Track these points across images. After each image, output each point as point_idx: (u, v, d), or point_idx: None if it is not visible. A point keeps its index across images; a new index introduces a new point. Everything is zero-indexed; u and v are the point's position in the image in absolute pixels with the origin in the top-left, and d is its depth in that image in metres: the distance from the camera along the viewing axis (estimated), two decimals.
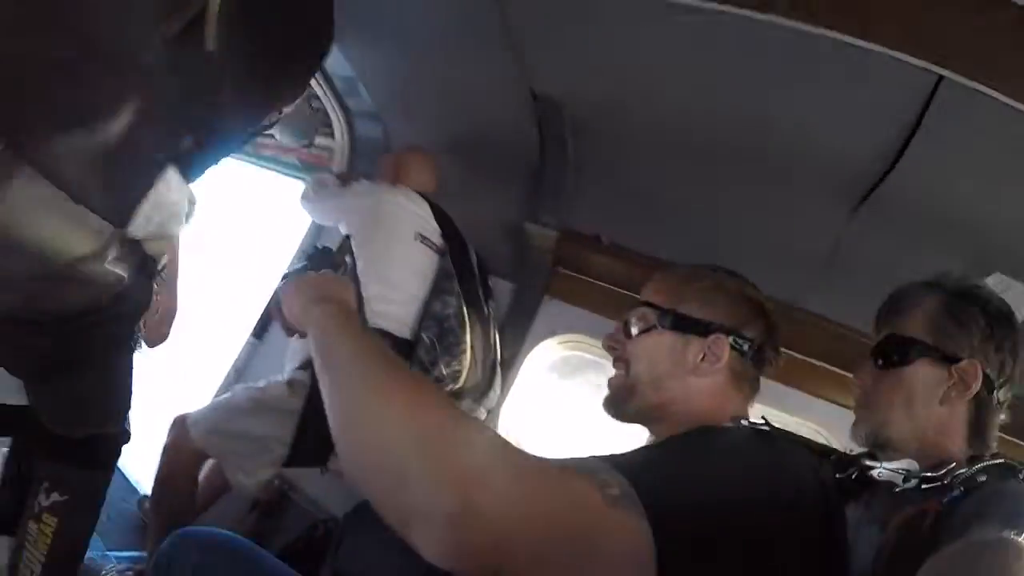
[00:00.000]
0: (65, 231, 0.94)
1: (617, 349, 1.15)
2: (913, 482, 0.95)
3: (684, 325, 1.08)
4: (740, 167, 1.61)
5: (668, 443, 0.92)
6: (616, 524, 0.59)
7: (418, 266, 1.97)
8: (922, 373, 1.02)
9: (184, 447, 1.86)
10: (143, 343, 1.79)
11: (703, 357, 1.04)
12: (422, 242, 1.99)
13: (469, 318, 1.90)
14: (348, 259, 2.01)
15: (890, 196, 1.47)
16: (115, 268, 1.03)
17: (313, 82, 2.57)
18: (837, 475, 1.06)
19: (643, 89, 1.56)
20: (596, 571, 0.58)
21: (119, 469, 2.49)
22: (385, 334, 1.85)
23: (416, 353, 1.84)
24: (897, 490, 0.97)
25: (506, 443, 0.61)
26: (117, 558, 2.01)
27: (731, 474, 0.78)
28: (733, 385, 1.06)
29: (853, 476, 1.07)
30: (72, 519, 1.53)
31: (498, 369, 2.03)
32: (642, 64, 1.48)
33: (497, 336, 2.09)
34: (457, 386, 1.86)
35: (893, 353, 1.06)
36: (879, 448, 1.06)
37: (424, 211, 2.03)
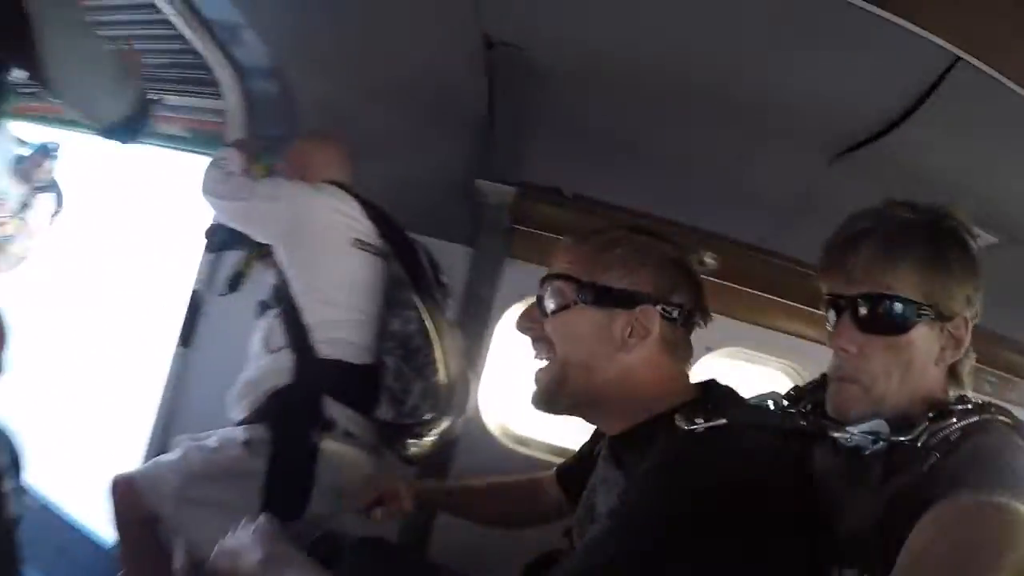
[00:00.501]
0: None
1: (534, 329, 1.06)
2: (882, 444, 0.89)
3: (607, 298, 1.01)
4: (716, 112, 1.52)
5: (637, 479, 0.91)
6: None
7: (363, 277, 1.70)
8: (920, 338, 0.91)
9: (136, 515, 1.61)
10: None
11: (631, 331, 0.98)
12: (361, 248, 1.71)
13: (436, 329, 1.67)
14: (274, 277, 1.74)
15: (876, 156, 1.45)
16: None
17: (187, 30, 2.14)
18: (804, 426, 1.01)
19: (618, 33, 1.40)
20: None
21: (82, 530, 2.48)
22: (340, 364, 1.63)
23: (383, 381, 1.60)
24: (867, 452, 0.91)
25: None
26: None
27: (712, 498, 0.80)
28: (667, 355, 1.02)
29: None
30: None
31: (469, 375, 1.81)
32: (618, 6, 1.32)
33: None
34: (435, 413, 1.64)
35: (887, 318, 0.92)
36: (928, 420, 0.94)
37: (354, 209, 1.74)
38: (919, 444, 0.84)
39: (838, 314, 0.95)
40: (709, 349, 1.96)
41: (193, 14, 2.09)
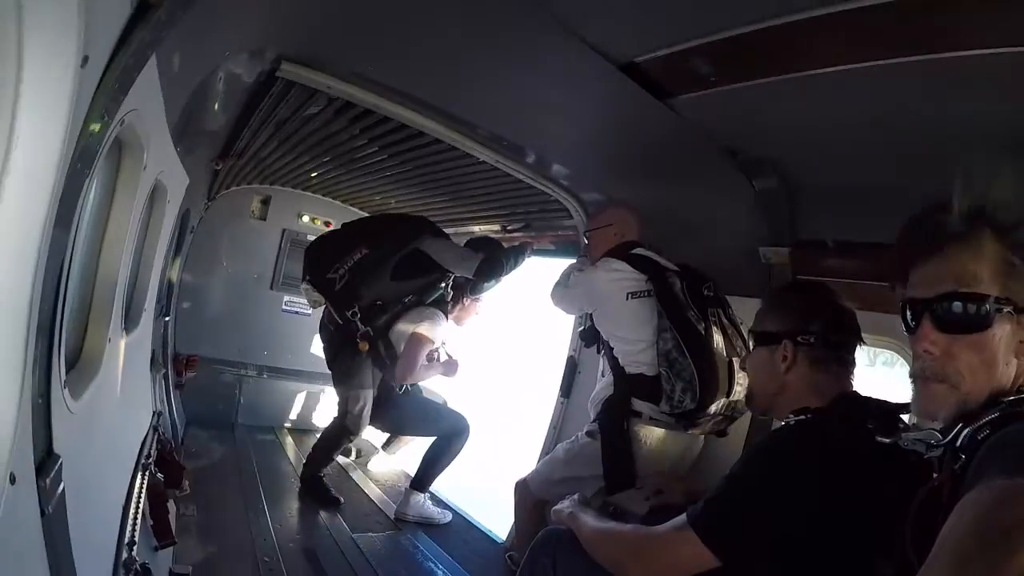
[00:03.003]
0: None
1: (745, 367, 1.60)
2: (938, 451, 0.92)
3: (763, 339, 1.50)
4: (920, 156, 1.72)
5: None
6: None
7: (640, 317, 2.37)
8: (1002, 332, 0.89)
9: (529, 503, 2.54)
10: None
11: (783, 359, 1.42)
12: (634, 297, 2.39)
13: (686, 342, 2.24)
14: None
15: None
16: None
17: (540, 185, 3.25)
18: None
19: (828, 127, 1.86)
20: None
21: (480, 528, 3.66)
22: (640, 377, 2.34)
23: (661, 384, 2.26)
24: (924, 457, 0.96)
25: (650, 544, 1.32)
26: None
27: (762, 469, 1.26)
28: (816, 369, 1.41)
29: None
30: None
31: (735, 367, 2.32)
32: (822, 114, 1.79)
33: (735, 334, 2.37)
34: (694, 405, 2.19)
35: (967, 317, 0.90)
36: (963, 420, 0.91)
37: (625, 270, 2.45)
38: (956, 445, 0.88)
39: (917, 317, 0.95)
40: None
41: (546, 178, 3.19)
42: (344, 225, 3.92)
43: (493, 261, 3.31)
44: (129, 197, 1.79)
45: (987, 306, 0.88)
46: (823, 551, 1.16)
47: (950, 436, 0.89)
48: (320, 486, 3.75)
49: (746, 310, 2.56)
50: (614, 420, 2.37)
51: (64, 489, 1.08)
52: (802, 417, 1.32)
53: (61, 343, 1.13)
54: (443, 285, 3.68)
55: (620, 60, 1.79)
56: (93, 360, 1.71)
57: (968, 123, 1.57)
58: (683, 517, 1.28)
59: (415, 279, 3.53)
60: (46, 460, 1.01)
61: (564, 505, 1.67)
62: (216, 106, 2.58)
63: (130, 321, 2.37)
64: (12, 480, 0.78)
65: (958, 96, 1.51)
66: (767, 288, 2.49)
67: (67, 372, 1.28)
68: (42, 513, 0.96)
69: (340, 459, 4.43)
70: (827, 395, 1.37)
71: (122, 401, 2.17)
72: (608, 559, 1.41)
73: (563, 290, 2.72)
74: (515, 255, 3.35)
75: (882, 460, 1.14)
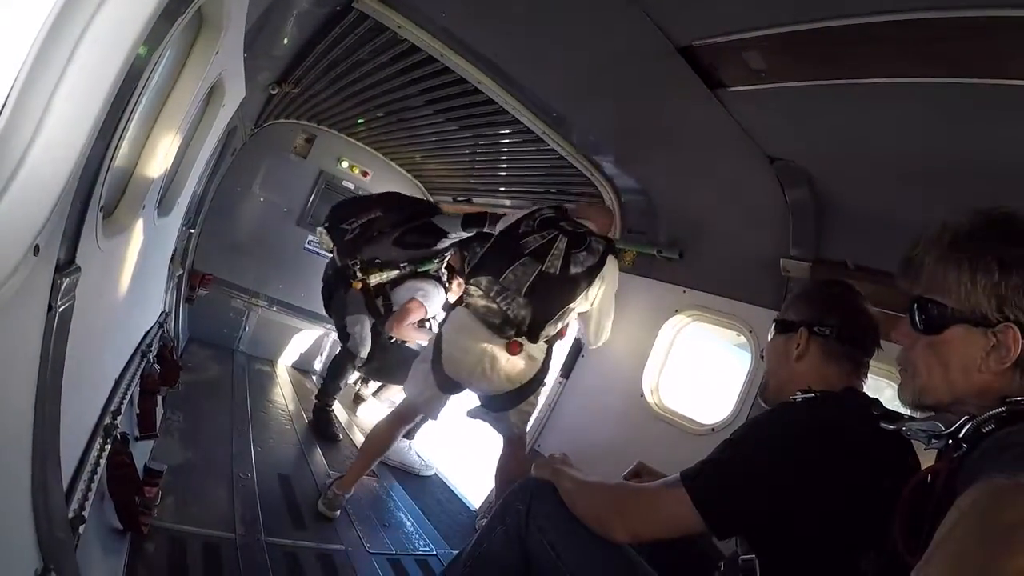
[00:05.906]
0: None
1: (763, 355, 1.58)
2: (936, 442, 0.95)
3: (781, 327, 1.51)
4: (956, 186, 1.73)
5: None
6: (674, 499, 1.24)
7: None
8: (956, 340, 0.95)
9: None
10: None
11: (796, 346, 1.43)
12: None
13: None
14: None
15: None
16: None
17: (584, 169, 3.29)
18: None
19: (868, 146, 1.86)
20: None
21: (456, 493, 3.74)
22: None
23: None
24: (925, 449, 1.00)
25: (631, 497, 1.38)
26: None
27: (763, 438, 1.25)
28: (827, 361, 1.41)
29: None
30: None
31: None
32: (864, 131, 1.79)
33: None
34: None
35: (924, 318, 1.00)
36: (922, 412, 1.03)
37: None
38: (959, 436, 0.90)
39: (908, 311, 1.05)
40: None
41: (587, 159, 3.23)
42: (370, 195, 4.65)
43: (476, 215, 3.65)
44: (194, 79, 1.84)
45: (940, 314, 0.97)
46: (813, 528, 1.16)
47: (954, 427, 0.92)
48: (327, 418, 4.11)
49: (759, 319, 2.60)
50: None
51: (74, 303, 1.11)
52: (809, 396, 1.30)
53: (108, 169, 1.17)
54: (436, 260, 4.14)
55: (679, 41, 1.81)
56: (126, 216, 1.77)
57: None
58: (676, 476, 1.28)
59: (414, 249, 4.03)
60: (68, 263, 1.05)
61: (546, 458, 1.66)
62: (289, 24, 2.65)
63: (164, 205, 2.43)
64: (36, 251, 0.82)
65: (1014, 128, 1.48)
66: (781, 301, 2.49)
67: (103, 216, 1.33)
68: (49, 307, 0.98)
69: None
70: (835, 388, 1.36)
71: (139, 280, 2.23)
72: (588, 512, 1.40)
73: None
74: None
75: (882, 446, 1.16)
